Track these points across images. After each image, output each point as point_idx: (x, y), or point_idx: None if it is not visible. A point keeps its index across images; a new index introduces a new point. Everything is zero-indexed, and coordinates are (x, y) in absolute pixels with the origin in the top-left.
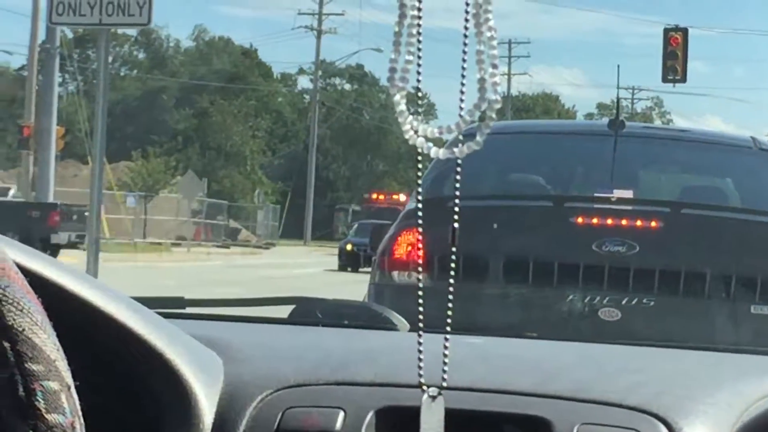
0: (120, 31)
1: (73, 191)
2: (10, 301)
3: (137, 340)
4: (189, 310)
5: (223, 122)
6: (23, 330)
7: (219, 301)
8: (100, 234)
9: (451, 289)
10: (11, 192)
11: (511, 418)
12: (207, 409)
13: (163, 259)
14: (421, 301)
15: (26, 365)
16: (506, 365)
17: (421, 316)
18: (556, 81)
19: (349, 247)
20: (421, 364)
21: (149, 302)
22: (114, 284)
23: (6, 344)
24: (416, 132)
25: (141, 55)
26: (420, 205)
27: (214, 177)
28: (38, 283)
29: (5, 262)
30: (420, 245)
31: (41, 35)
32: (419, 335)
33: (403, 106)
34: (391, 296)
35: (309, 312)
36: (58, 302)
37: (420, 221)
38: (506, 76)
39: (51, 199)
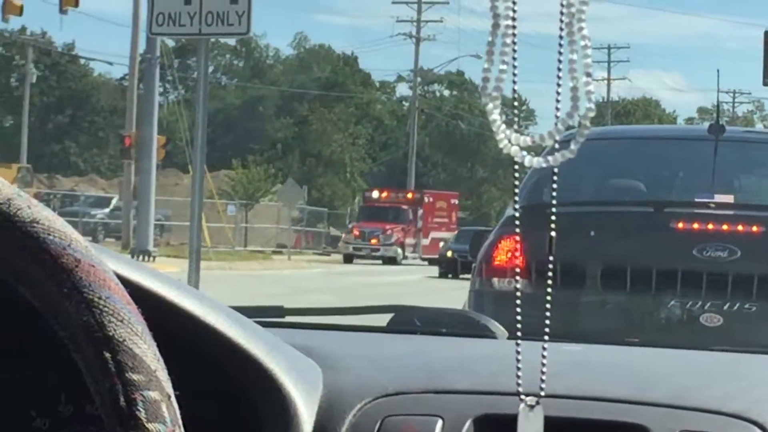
0: (221, 40)
1: (174, 200)
2: (111, 311)
3: (236, 349)
4: (288, 318)
5: (322, 130)
6: (124, 340)
7: (318, 309)
8: (201, 242)
9: (548, 297)
10: (113, 201)
11: (609, 425)
12: (306, 418)
13: (264, 267)
14: (518, 309)
15: (127, 375)
16: (605, 372)
17: (518, 324)
18: (656, 85)
19: (449, 253)
20: (519, 373)
21: (249, 311)
22: (214, 293)
23: (107, 354)
24: (510, 141)
25: (240, 64)
26: (517, 214)
27: (314, 185)
28: (138, 294)
29: (106, 273)
30: (518, 252)
31: (141, 45)
32: (517, 343)
33: (496, 116)
34: (490, 303)
35: (407, 320)
36: (157, 312)
37: (518, 230)
38: (606, 81)
39: (152, 208)
